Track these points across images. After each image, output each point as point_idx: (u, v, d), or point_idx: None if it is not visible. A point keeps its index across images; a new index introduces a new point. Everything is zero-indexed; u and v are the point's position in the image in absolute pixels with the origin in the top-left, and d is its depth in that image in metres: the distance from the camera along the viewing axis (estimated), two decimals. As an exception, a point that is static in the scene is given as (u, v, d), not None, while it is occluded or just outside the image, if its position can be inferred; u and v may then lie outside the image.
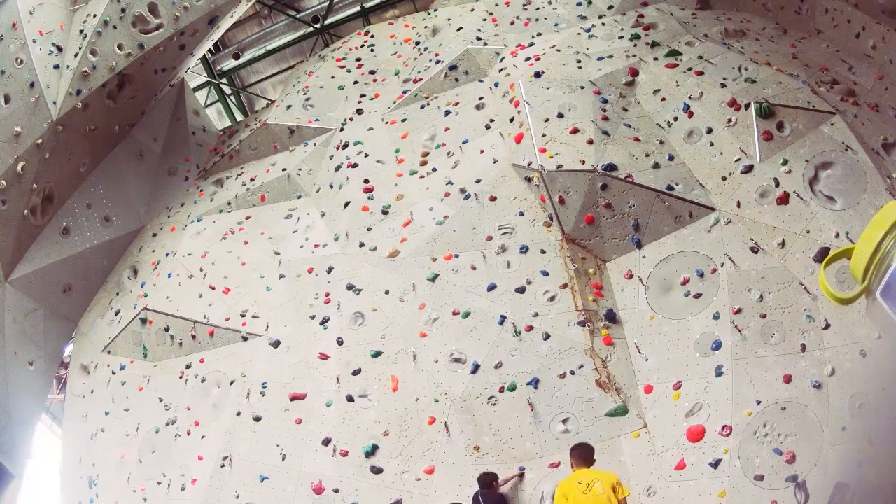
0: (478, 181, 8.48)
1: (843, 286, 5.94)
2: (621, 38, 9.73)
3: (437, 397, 6.95)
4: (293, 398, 7.43)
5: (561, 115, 8.46)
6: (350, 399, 7.17)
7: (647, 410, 6.69)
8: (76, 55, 9.45)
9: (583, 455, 5.92)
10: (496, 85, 9.80)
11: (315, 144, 10.59)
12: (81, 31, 9.62)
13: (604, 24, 10.29)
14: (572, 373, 6.86)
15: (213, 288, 8.88)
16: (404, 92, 10.65)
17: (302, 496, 6.85)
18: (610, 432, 6.57)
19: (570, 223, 7.87)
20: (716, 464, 6.06)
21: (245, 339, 8.22)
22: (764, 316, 6.65)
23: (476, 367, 7.00)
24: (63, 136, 9.42)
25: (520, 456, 6.59)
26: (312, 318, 8.00)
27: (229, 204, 10.39)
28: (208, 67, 17.13)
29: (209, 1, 10.79)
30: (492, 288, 7.52)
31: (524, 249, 7.76)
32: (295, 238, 9.16)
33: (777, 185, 7.20)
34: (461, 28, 11.44)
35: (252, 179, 10.64)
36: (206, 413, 7.89)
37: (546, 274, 7.54)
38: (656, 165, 7.88)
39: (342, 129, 10.48)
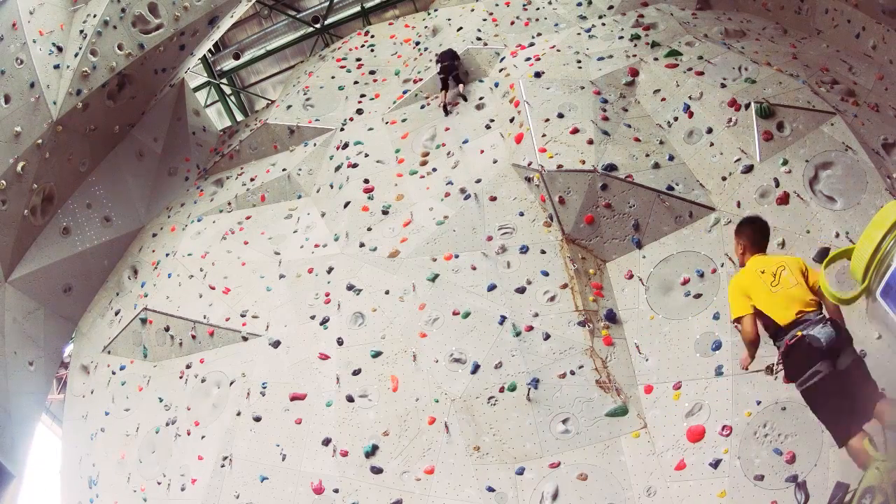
0: (478, 181, 8.48)
1: (843, 286, 5.93)
2: (621, 38, 9.73)
3: (437, 397, 6.95)
4: (293, 398, 7.43)
5: (561, 115, 8.46)
6: (350, 399, 7.17)
7: (647, 410, 6.68)
8: (76, 55, 9.45)
9: (757, 235, 4.35)
10: (496, 85, 9.80)
11: (315, 144, 10.59)
12: (81, 31, 9.62)
13: (604, 24, 10.29)
14: (572, 373, 6.86)
15: (213, 288, 8.88)
16: (404, 92, 10.66)
17: (302, 496, 6.85)
18: (610, 432, 6.57)
19: (570, 223, 7.87)
20: (716, 464, 6.06)
21: (245, 339, 8.22)
22: (764, 316, 6.65)
23: (476, 367, 7.00)
24: (63, 136, 9.42)
25: (520, 456, 6.59)
26: (312, 318, 8.00)
27: (229, 204, 10.39)
28: (208, 67, 17.13)
29: (209, 1, 10.79)
30: (492, 288, 7.52)
31: (524, 249, 7.76)
32: (295, 238, 9.16)
33: (777, 185, 7.20)
34: (461, 28, 11.44)
35: (252, 179, 10.64)
36: (206, 413, 7.89)
37: (546, 274, 7.54)
38: (656, 165, 7.88)
39: (342, 129, 10.48)
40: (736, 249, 4.47)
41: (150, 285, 9.49)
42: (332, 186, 9.61)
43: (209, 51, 16.06)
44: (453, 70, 10.09)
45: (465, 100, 9.87)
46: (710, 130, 7.91)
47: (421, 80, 10.67)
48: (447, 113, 9.85)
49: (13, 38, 9.02)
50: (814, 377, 3.81)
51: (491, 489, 6.43)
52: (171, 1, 10.32)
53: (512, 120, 8.96)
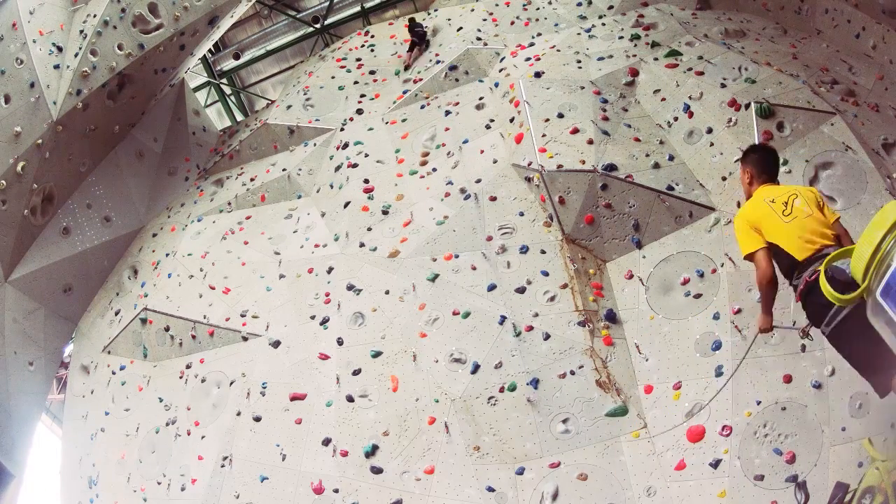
0: (478, 181, 8.48)
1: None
2: (621, 38, 9.73)
3: (437, 397, 6.95)
4: (293, 398, 7.43)
5: (561, 115, 8.46)
6: (350, 399, 7.17)
7: (647, 410, 6.68)
8: (76, 55, 9.44)
9: (764, 161, 3.82)
10: (496, 85, 9.80)
11: (315, 144, 10.59)
12: (81, 31, 9.62)
13: (604, 25, 10.29)
14: (572, 373, 6.86)
15: (213, 288, 8.88)
16: (404, 92, 10.66)
17: (302, 496, 6.85)
18: (610, 432, 6.57)
19: (570, 223, 7.86)
20: (716, 464, 6.06)
21: (245, 339, 8.22)
22: (764, 316, 6.64)
23: (476, 367, 7.00)
24: (63, 136, 9.41)
25: (520, 456, 6.59)
26: (312, 318, 8.00)
27: (229, 204, 10.39)
28: (208, 67, 17.14)
29: (209, 1, 10.78)
30: (492, 288, 7.51)
31: (524, 249, 7.76)
32: (295, 238, 9.16)
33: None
34: (461, 28, 11.45)
35: (252, 179, 10.64)
36: (206, 413, 7.89)
37: (546, 274, 7.54)
38: (656, 165, 7.88)
39: (342, 129, 10.48)
40: (742, 179, 3.89)
41: (150, 285, 9.49)
42: (332, 186, 9.61)
43: (209, 51, 16.07)
44: (423, 35, 11.80)
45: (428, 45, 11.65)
46: (710, 130, 7.90)
47: (421, 80, 10.67)
48: (407, 69, 11.48)
49: (13, 38, 9.02)
50: (839, 314, 3.22)
51: (491, 489, 6.43)
52: (171, 1, 10.31)
53: (512, 120, 8.96)
